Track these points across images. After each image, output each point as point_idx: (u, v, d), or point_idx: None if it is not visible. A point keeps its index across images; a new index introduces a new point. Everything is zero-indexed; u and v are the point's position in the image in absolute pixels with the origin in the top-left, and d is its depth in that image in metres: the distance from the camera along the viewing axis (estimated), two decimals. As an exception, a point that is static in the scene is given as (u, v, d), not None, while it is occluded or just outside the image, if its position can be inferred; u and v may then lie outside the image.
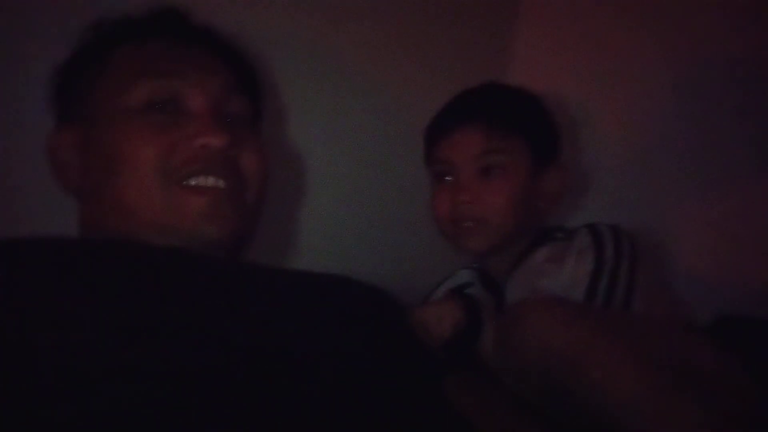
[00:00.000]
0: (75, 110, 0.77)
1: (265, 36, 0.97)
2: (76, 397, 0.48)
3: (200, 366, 0.53)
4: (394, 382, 0.61)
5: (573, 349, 0.64)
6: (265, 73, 0.93)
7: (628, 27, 1.19)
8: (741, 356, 0.70)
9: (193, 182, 0.71)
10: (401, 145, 0.99)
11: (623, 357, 0.62)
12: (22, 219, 0.82)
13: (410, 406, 0.60)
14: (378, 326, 0.68)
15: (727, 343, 0.78)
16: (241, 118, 0.78)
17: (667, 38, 1.14)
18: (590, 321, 0.68)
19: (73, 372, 0.49)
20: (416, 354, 0.70)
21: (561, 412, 0.65)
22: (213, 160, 0.71)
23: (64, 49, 0.78)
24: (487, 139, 0.89)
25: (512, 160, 0.90)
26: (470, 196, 0.89)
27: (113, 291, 0.58)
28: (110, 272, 0.60)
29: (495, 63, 1.30)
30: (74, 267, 0.60)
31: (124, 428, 0.47)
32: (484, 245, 0.91)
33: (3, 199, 0.82)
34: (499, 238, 0.91)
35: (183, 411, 0.49)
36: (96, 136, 0.73)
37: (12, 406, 0.47)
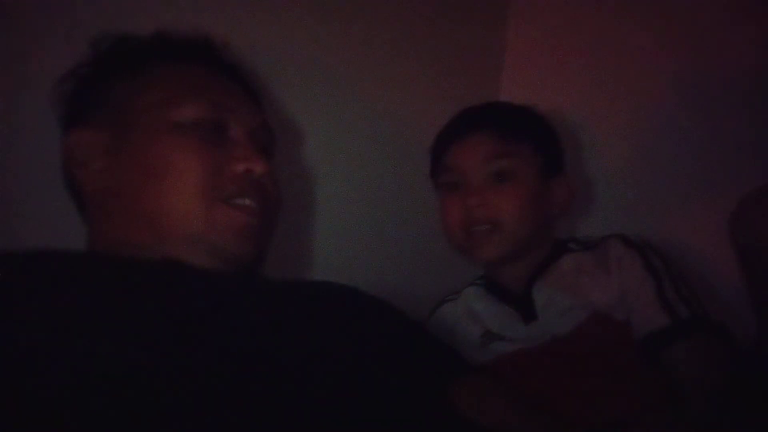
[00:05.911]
0: (102, 113, 0.78)
1: (261, 50, 1.00)
2: (76, 401, 0.49)
3: (200, 371, 0.55)
4: (393, 391, 0.63)
5: None
6: (271, 92, 0.96)
7: (625, 29, 1.19)
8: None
9: (231, 202, 0.74)
10: (392, 152, 1.01)
11: None
12: (23, 229, 0.83)
13: (410, 414, 0.62)
14: (377, 334, 0.70)
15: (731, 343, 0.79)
16: (266, 149, 0.83)
17: (667, 40, 1.15)
18: None
19: (74, 377, 0.51)
20: (417, 363, 0.72)
21: None
22: (252, 185, 0.75)
23: (64, 51, 0.80)
24: (497, 144, 0.91)
25: (522, 166, 0.91)
26: (482, 199, 0.89)
27: (112, 301, 0.60)
28: (108, 285, 0.62)
29: (489, 71, 1.32)
30: (76, 279, 0.62)
31: (125, 429, 0.48)
32: (498, 253, 0.90)
33: (4, 207, 0.83)
34: (513, 245, 0.90)
35: (181, 415, 0.50)
36: (133, 143, 0.75)
37: (15, 408, 0.48)
